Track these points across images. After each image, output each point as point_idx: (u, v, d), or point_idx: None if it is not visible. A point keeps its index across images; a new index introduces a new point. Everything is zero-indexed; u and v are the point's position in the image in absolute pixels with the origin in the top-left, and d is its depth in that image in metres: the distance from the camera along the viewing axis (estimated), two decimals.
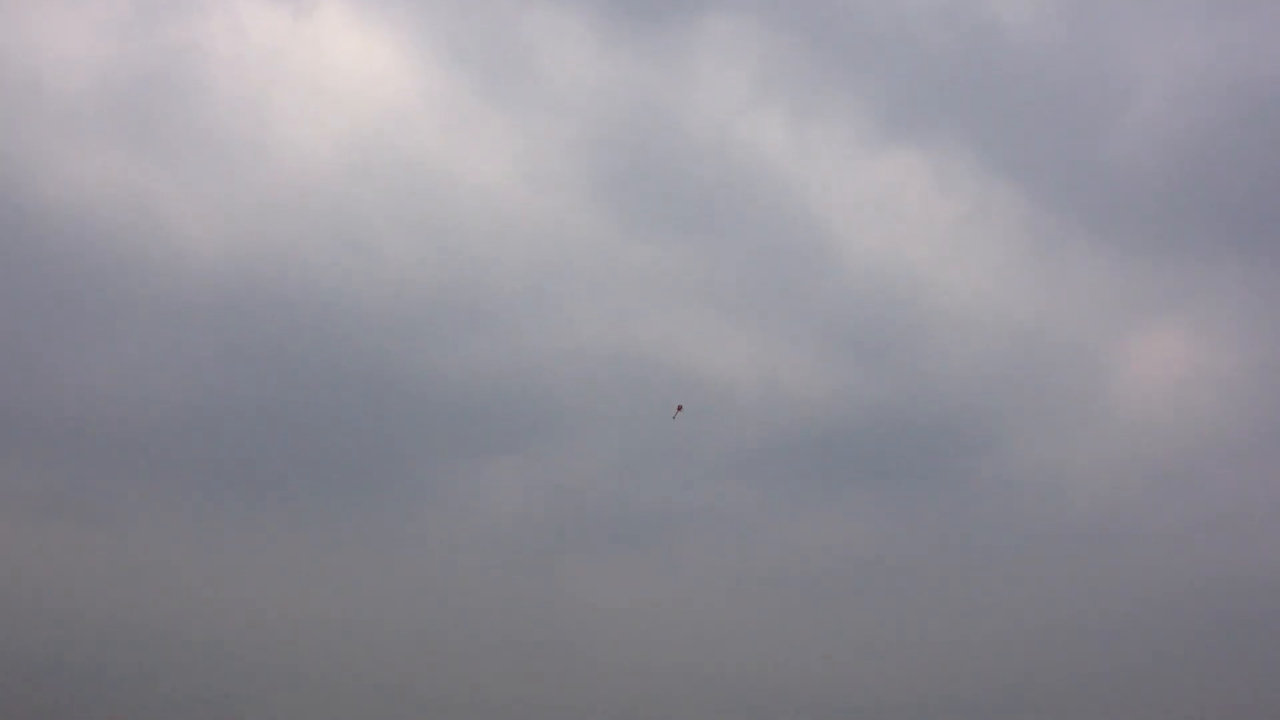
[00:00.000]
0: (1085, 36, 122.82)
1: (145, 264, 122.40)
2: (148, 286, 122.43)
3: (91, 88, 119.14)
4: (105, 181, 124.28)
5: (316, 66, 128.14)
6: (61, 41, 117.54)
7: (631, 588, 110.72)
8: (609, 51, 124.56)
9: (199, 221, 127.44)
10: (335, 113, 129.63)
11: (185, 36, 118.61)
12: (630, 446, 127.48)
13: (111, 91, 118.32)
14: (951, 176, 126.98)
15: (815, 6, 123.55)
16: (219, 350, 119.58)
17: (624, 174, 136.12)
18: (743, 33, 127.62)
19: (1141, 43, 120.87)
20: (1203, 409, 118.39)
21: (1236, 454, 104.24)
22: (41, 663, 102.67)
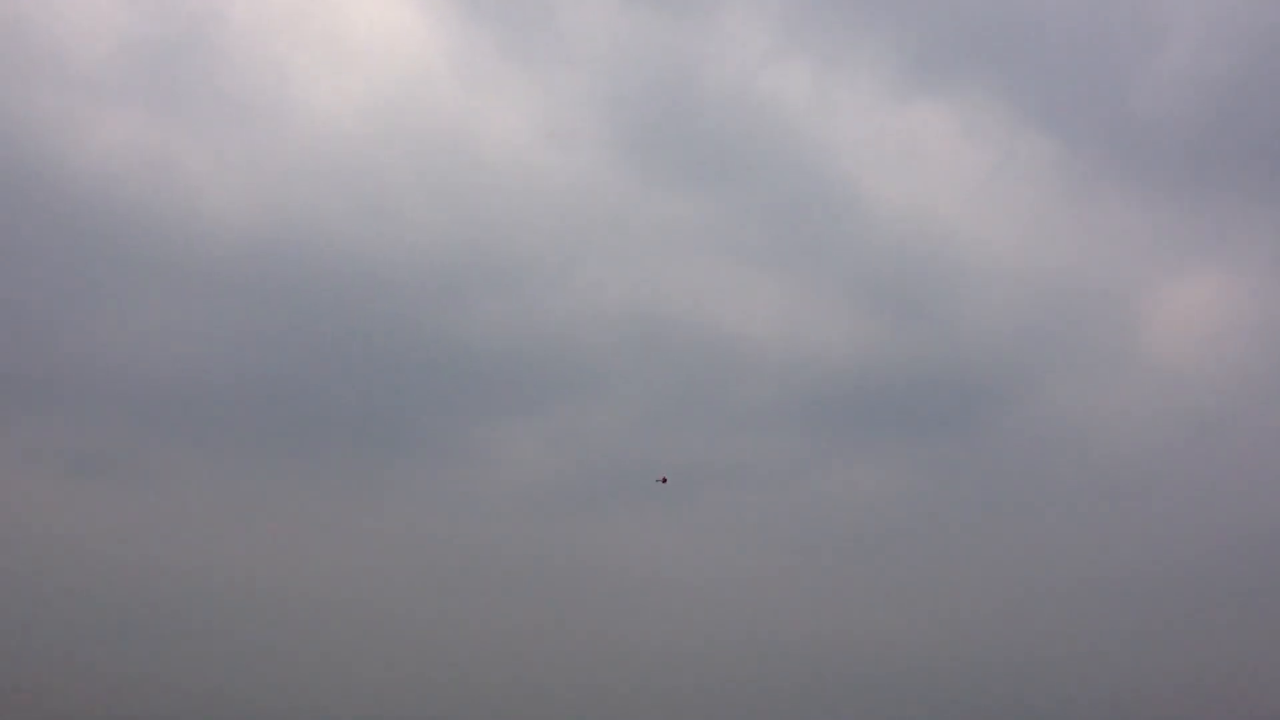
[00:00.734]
0: None
1: (172, 229, 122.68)
2: (176, 251, 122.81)
3: (114, 54, 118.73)
4: (130, 148, 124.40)
5: (336, 28, 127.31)
6: (84, 9, 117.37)
7: (657, 544, 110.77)
8: (630, 6, 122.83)
9: (223, 187, 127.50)
10: (355, 75, 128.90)
11: (205, 2, 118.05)
12: (654, 404, 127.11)
13: (134, 58, 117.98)
14: (980, 125, 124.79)
15: None
16: (246, 314, 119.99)
17: (646, 130, 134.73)
18: None
19: None
20: (1236, 355, 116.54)
21: (1270, 400, 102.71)
22: (77, 615, 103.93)
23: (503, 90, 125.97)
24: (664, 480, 66.02)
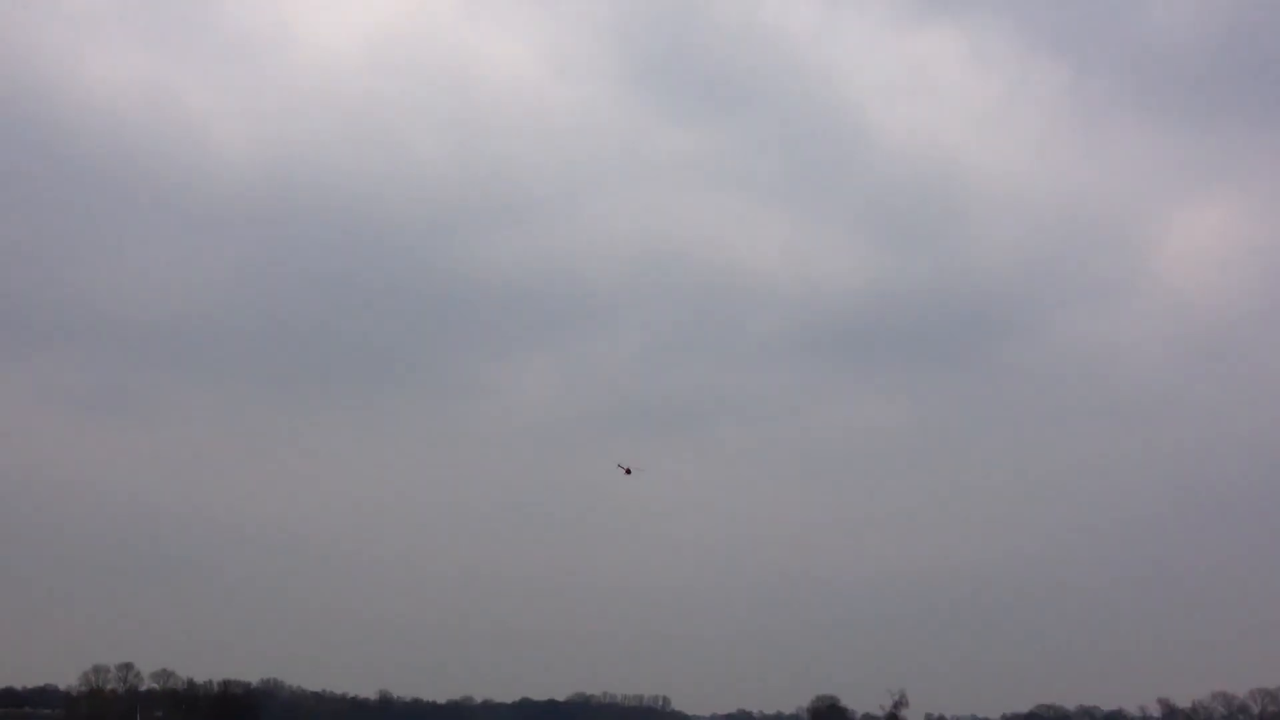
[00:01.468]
0: None
1: (177, 164, 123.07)
2: (181, 186, 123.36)
3: None
4: (131, 81, 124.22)
5: None
6: None
7: (667, 475, 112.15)
8: None
9: (225, 121, 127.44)
10: (356, 5, 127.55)
11: None
12: (664, 336, 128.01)
13: None
14: (989, 51, 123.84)
15: None
16: (252, 249, 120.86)
17: (653, 61, 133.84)
18: None
19: None
20: (1247, 281, 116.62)
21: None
22: (94, 549, 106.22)
23: (506, 21, 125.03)
24: (628, 471, 67.33)
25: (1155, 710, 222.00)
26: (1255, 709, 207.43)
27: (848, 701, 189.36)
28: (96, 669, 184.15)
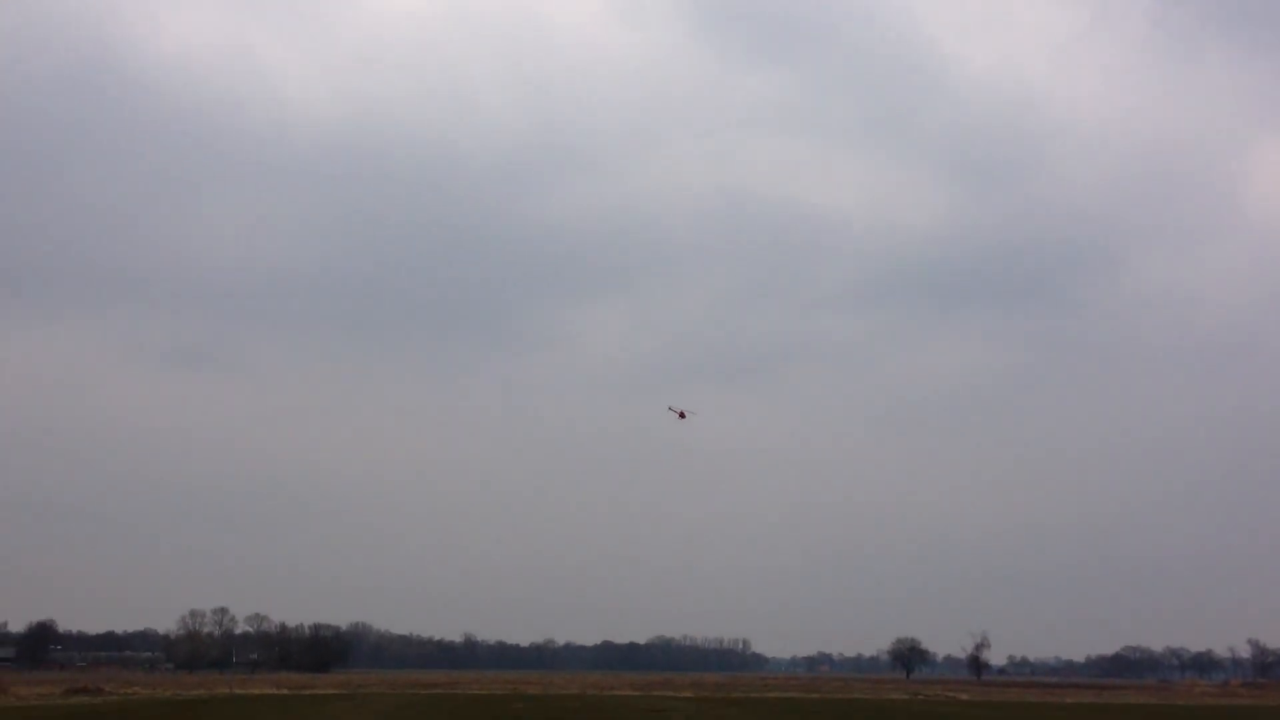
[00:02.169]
0: None
1: (255, 120, 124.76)
2: (260, 142, 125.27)
3: None
4: (207, 39, 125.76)
5: None
6: None
7: (743, 422, 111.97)
8: None
9: (299, 76, 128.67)
10: None
11: None
12: (738, 282, 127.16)
13: None
14: None
15: None
16: (332, 204, 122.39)
17: (721, 3, 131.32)
18: None
19: None
20: None
21: None
22: (173, 500, 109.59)
23: None
24: (682, 415, 65.89)
25: (1245, 651, 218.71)
26: None
27: (929, 645, 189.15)
28: (193, 613, 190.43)
